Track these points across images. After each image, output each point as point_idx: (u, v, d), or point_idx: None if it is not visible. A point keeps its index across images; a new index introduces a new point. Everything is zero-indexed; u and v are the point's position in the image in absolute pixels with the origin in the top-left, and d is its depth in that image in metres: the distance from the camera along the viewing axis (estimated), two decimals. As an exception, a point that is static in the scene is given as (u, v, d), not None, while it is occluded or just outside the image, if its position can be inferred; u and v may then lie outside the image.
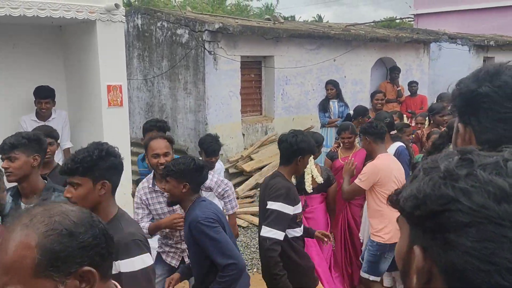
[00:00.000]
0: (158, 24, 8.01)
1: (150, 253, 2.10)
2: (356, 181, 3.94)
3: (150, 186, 3.33)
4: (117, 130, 5.07)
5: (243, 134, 7.91)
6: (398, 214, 0.76)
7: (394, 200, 0.75)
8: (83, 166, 2.06)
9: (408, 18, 17.56)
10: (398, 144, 4.56)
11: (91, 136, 4.80)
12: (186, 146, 7.76)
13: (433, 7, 18.72)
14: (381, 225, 3.84)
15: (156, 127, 3.90)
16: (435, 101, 8.01)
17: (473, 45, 11.63)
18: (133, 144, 6.79)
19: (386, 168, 3.83)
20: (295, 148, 3.08)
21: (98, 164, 2.08)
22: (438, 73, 11.67)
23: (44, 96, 4.90)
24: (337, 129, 5.75)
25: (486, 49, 11.93)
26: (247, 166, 7.39)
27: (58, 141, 3.88)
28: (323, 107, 7.38)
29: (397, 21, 17.57)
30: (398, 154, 4.35)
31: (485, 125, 1.04)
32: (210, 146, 4.11)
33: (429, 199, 0.66)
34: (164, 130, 4.01)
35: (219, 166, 4.40)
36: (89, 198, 2.08)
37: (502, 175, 0.64)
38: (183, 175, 2.72)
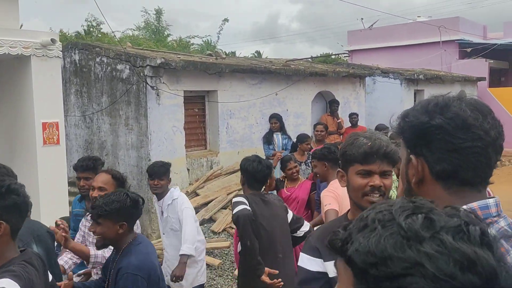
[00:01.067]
0: (97, 60, 7.84)
1: None
2: (326, 208, 3.76)
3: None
4: (53, 170, 4.81)
5: (188, 169, 7.79)
6: None
7: (338, 246, 0.68)
8: None
9: (343, 54, 18.46)
10: None
11: (25, 176, 4.51)
12: (129, 183, 7.49)
13: (365, 44, 19.85)
14: None
15: (80, 167, 3.56)
16: None
17: (404, 78, 12.38)
18: (70, 184, 6.46)
19: (341, 190, 3.78)
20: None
21: None
22: (373, 105, 12.26)
23: None
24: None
25: (416, 83, 12.74)
26: (193, 202, 7.22)
27: None
28: (267, 139, 7.49)
29: (333, 56, 18.44)
30: None
31: (439, 156, 1.06)
32: (153, 167, 4.01)
33: (390, 260, 0.60)
34: (89, 169, 3.57)
35: (169, 194, 4.03)
36: None
37: (465, 241, 0.61)
38: (120, 214, 2.43)
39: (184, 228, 3.87)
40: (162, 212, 4.09)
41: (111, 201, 2.45)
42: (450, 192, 1.07)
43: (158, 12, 19.99)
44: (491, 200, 1.05)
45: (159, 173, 3.99)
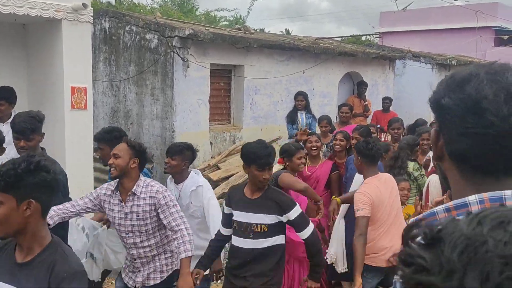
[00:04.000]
0: (127, 28, 7.85)
1: None
2: (357, 213, 3.52)
3: (113, 189, 3.19)
4: (80, 134, 4.89)
5: (211, 143, 7.82)
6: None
7: None
8: (5, 181, 1.74)
9: (374, 35, 18.05)
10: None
11: (53, 138, 4.61)
12: (152, 153, 7.59)
13: (397, 26, 19.33)
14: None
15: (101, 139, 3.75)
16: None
17: (436, 63, 12.03)
18: (96, 149, 6.56)
19: (375, 192, 3.58)
20: None
21: (24, 179, 1.76)
22: (402, 89, 11.99)
23: None
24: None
25: (448, 68, 12.37)
26: (214, 175, 7.29)
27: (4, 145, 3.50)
28: (291, 118, 7.39)
29: (364, 38, 18.03)
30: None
31: (450, 137, 0.98)
32: (170, 145, 3.88)
33: None
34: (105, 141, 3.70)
35: (191, 179, 3.69)
36: (12, 220, 1.75)
37: None
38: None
39: (213, 221, 3.57)
40: (179, 197, 3.69)
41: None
42: (463, 175, 0.98)
43: None
44: (508, 192, 0.91)
45: (171, 151, 3.65)
